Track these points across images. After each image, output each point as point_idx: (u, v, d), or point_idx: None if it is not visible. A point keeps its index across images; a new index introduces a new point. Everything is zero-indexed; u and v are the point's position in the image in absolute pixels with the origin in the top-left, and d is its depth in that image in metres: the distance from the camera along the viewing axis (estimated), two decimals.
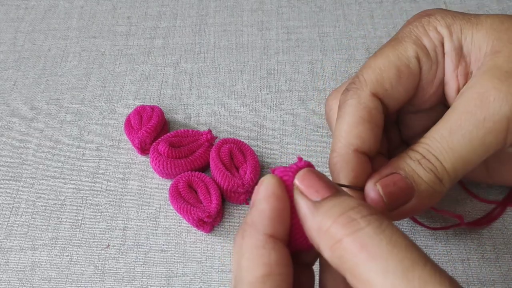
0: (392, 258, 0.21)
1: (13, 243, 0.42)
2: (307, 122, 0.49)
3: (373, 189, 0.30)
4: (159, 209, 0.43)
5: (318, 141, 0.47)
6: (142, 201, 0.44)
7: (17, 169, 0.47)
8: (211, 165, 0.44)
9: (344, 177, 0.31)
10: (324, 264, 0.27)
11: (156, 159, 0.44)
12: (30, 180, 0.46)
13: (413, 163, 0.29)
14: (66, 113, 0.51)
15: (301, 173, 0.25)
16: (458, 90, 0.32)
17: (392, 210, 0.30)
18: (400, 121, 0.38)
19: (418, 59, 0.33)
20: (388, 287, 0.20)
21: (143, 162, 0.47)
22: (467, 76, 0.32)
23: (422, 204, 0.30)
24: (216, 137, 0.46)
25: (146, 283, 0.39)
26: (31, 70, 0.55)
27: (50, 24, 0.60)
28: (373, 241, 0.21)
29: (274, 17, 0.59)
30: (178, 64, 0.55)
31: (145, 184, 0.45)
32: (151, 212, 0.43)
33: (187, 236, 0.42)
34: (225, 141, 0.44)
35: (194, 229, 0.42)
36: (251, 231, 0.24)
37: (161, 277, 0.40)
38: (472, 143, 0.28)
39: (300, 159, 0.26)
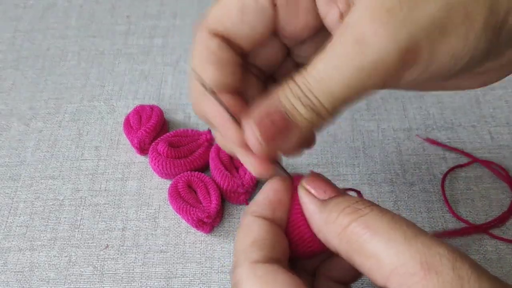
0: (394, 231, 0.23)
1: (12, 244, 0.42)
2: None
3: (250, 132, 0.28)
4: (159, 209, 0.43)
5: (318, 141, 0.47)
6: (141, 201, 0.44)
7: (15, 169, 0.47)
8: (210, 165, 0.43)
9: (213, 122, 0.31)
10: (319, 274, 0.30)
11: (155, 159, 0.43)
12: (28, 180, 0.46)
13: (293, 100, 0.28)
14: (65, 112, 0.51)
15: (309, 176, 0.28)
16: (341, 17, 0.29)
17: (269, 148, 0.29)
18: (291, 52, 0.35)
19: None
20: (392, 255, 0.22)
21: (142, 162, 0.46)
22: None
23: (302, 137, 0.29)
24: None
25: (145, 284, 0.39)
26: (30, 70, 0.55)
27: (49, 23, 0.60)
28: (376, 221, 0.24)
29: None
30: (177, 64, 0.55)
31: (144, 184, 0.45)
32: (151, 213, 0.43)
33: (187, 237, 0.41)
34: None
35: (193, 230, 0.42)
36: (244, 216, 0.28)
37: (160, 278, 0.39)
38: (350, 87, 0.26)
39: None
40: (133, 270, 0.40)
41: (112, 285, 0.39)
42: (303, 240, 0.28)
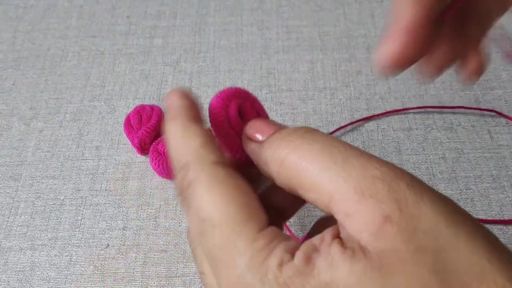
0: (327, 158, 0.22)
1: (12, 243, 0.42)
2: (307, 121, 0.49)
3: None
4: (159, 209, 0.43)
5: None
6: (142, 201, 0.44)
7: (16, 169, 0.47)
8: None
9: (400, 16, 0.26)
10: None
11: (156, 159, 0.43)
12: (29, 180, 0.46)
13: None
14: (65, 112, 0.51)
15: (249, 123, 0.27)
16: None
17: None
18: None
19: None
20: (327, 183, 0.21)
21: (143, 162, 0.46)
22: None
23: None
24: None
25: (146, 283, 0.39)
26: (30, 70, 0.55)
27: (49, 24, 0.60)
28: (308, 150, 0.22)
29: (274, 16, 0.59)
30: (177, 64, 0.55)
31: (145, 184, 0.45)
32: (151, 212, 0.43)
33: (187, 236, 0.42)
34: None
35: None
36: (173, 119, 0.27)
37: (161, 277, 0.39)
38: None
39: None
40: (133, 269, 0.40)
41: (112, 284, 0.39)
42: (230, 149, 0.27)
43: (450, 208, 0.20)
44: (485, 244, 0.19)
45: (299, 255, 0.21)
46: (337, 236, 0.21)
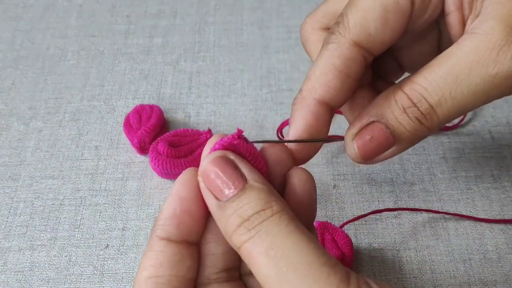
0: (268, 265, 0.22)
1: (12, 244, 0.42)
2: None
3: (349, 147, 0.29)
4: (159, 209, 0.43)
5: None
6: (142, 201, 0.44)
7: (15, 169, 0.46)
8: None
9: (295, 122, 0.30)
10: None
11: (155, 159, 0.43)
12: (28, 180, 0.46)
13: (398, 112, 0.27)
14: (64, 112, 0.51)
15: (205, 162, 0.25)
16: (463, 23, 0.29)
17: (367, 161, 0.29)
18: (394, 49, 0.34)
19: None
20: None
21: (143, 161, 0.46)
22: (472, 5, 0.28)
23: (401, 150, 0.29)
24: None
25: None
26: (30, 69, 0.55)
27: (48, 23, 0.59)
28: (257, 249, 0.22)
29: (274, 15, 0.59)
30: (177, 63, 0.55)
31: (145, 184, 0.45)
32: (151, 212, 0.43)
33: None
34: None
35: None
36: (151, 231, 0.25)
37: None
38: (476, 95, 0.26)
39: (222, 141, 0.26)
40: (133, 269, 0.40)
41: (112, 284, 0.39)
42: None
43: None
44: None
45: None
46: None
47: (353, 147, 0.28)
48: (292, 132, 0.29)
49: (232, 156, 0.25)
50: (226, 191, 0.24)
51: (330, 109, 0.29)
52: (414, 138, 0.28)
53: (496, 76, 0.25)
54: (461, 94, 0.26)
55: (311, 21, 0.35)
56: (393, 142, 0.28)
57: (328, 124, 0.30)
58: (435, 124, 0.27)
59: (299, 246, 0.22)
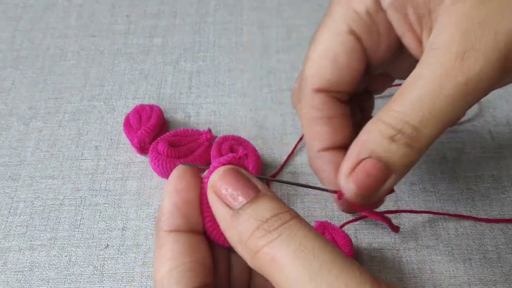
0: (299, 266, 0.22)
1: (12, 243, 0.42)
2: None
3: (347, 188, 0.28)
4: (159, 209, 0.43)
5: None
6: (141, 201, 0.44)
7: (15, 169, 0.46)
8: (212, 163, 0.43)
9: (322, 177, 0.33)
10: None
11: (155, 159, 0.43)
12: (28, 180, 0.46)
13: (385, 143, 0.27)
14: (64, 112, 0.51)
15: (217, 174, 0.25)
16: (419, 40, 0.29)
17: (370, 200, 0.29)
18: (379, 68, 0.35)
19: (353, 33, 0.30)
20: None
21: (143, 161, 0.46)
22: (421, 21, 0.28)
23: (397, 181, 0.29)
24: (216, 136, 0.45)
25: (145, 283, 0.39)
26: (30, 69, 0.55)
27: (48, 23, 0.59)
28: (283, 250, 0.22)
29: (274, 15, 0.59)
30: (177, 63, 0.55)
31: (144, 184, 0.45)
32: (151, 212, 0.43)
33: None
34: (226, 138, 0.44)
35: None
36: (156, 230, 0.25)
37: None
38: (454, 106, 0.26)
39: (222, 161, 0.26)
40: (133, 269, 0.40)
41: (112, 284, 0.39)
42: (219, 240, 0.26)
43: None
44: None
45: None
46: None
47: (351, 186, 0.28)
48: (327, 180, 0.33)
49: (243, 169, 0.25)
50: (240, 199, 0.24)
51: (339, 150, 0.32)
52: (408, 163, 0.28)
53: (467, 83, 0.26)
54: (440, 110, 0.26)
55: (296, 94, 0.36)
56: (389, 174, 0.28)
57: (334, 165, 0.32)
58: (424, 144, 0.27)
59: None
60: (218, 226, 0.25)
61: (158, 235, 0.25)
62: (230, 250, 0.27)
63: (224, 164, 0.25)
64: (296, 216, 0.23)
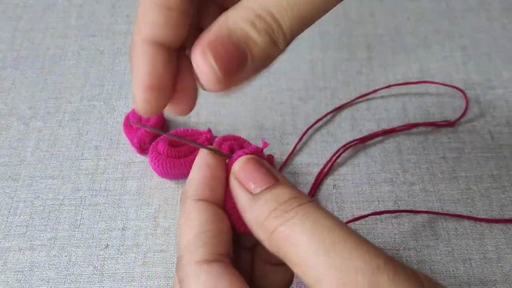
0: (315, 241, 0.23)
1: (12, 243, 0.42)
2: (307, 121, 0.48)
3: (202, 57, 0.25)
4: (159, 209, 0.43)
5: (319, 140, 0.47)
6: (141, 201, 0.44)
7: (15, 169, 0.46)
8: None
9: (137, 74, 0.27)
10: (256, 255, 0.30)
11: (155, 159, 0.43)
12: (28, 180, 0.46)
13: (246, 25, 0.25)
14: (64, 112, 0.51)
15: (240, 162, 0.27)
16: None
17: (226, 82, 0.26)
18: None
19: None
20: (313, 268, 0.22)
21: (143, 161, 0.46)
22: None
23: (256, 70, 0.27)
24: (216, 136, 0.45)
25: (145, 283, 0.39)
26: (30, 69, 0.55)
27: (48, 23, 0.59)
28: (299, 228, 0.23)
29: None
30: None
31: (144, 184, 0.45)
32: (151, 212, 0.43)
33: None
34: (226, 138, 0.44)
35: None
36: (183, 199, 0.27)
37: (161, 278, 0.39)
38: (311, 3, 0.25)
39: (255, 148, 0.27)
40: (133, 269, 0.40)
41: (112, 284, 0.39)
42: (239, 222, 0.27)
43: None
44: None
45: None
46: None
47: (209, 60, 0.25)
48: (137, 80, 0.26)
49: (264, 161, 0.27)
50: (260, 185, 0.25)
51: (167, 48, 0.27)
52: (266, 54, 0.27)
53: None
54: (298, 1, 0.25)
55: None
56: (247, 58, 0.26)
57: (171, 66, 0.27)
58: (282, 37, 0.26)
59: (342, 226, 0.23)
60: (236, 212, 0.26)
61: (184, 203, 0.26)
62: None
63: (247, 154, 0.27)
64: (312, 200, 0.25)
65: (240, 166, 0.26)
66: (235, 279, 0.24)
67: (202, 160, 0.27)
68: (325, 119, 0.49)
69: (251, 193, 0.25)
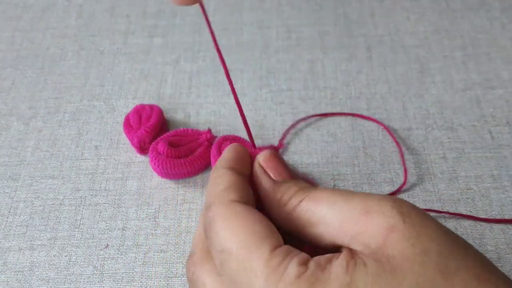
0: (335, 197, 0.25)
1: (12, 243, 0.42)
2: (307, 121, 0.48)
3: None
4: (159, 209, 0.43)
5: (319, 140, 0.47)
6: (141, 201, 0.44)
7: (15, 169, 0.46)
8: (212, 162, 0.43)
9: None
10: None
11: (155, 159, 0.43)
12: (28, 180, 0.46)
13: None
14: (64, 112, 0.51)
15: (267, 154, 0.29)
16: None
17: None
18: None
19: None
20: (337, 214, 0.25)
21: (142, 161, 0.46)
22: None
23: None
24: (216, 136, 0.45)
25: (145, 283, 0.39)
26: (30, 69, 0.55)
27: (48, 23, 0.59)
28: (319, 195, 0.26)
29: (274, 15, 0.59)
30: (177, 63, 0.55)
31: (144, 184, 0.45)
32: (151, 212, 0.43)
33: (187, 236, 0.41)
34: (226, 138, 0.44)
35: (193, 229, 0.42)
36: (215, 167, 0.29)
37: (161, 278, 0.39)
38: None
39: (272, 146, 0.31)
40: (133, 269, 0.40)
41: (112, 284, 0.39)
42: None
43: (446, 228, 0.24)
44: (478, 253, 0.23)
45: (312, 265, 0.23)
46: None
47: None
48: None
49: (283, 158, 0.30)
50: (283, 174, 0.28)
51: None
52: None
53: None
54: None
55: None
56: None
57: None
58: None
59: (359, 192, 0.26)
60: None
61: (216, 170, 0.29)
62: None
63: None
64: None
65: (265, 156, 0.29)
66: (267, 219, 0.26)
67: (232, 146, 0.30)
68: (325, 119, 0.49)
69: (274, 180, 0.28)
